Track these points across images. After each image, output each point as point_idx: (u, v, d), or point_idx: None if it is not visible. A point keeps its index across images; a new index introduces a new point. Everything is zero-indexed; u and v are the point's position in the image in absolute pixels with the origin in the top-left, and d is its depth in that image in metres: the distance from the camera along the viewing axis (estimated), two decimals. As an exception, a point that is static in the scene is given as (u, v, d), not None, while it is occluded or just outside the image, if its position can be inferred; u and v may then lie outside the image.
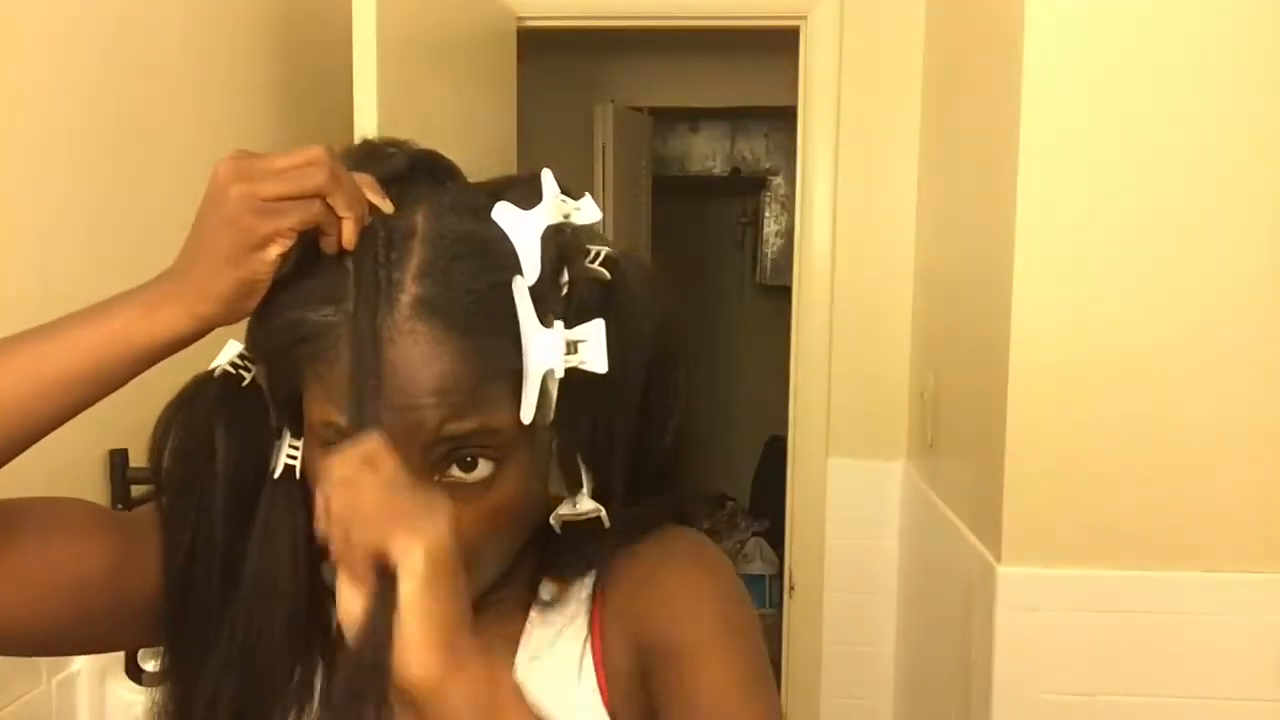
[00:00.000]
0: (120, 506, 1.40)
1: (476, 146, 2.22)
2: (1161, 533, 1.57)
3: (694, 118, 5.00)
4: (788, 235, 4.71)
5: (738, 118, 4.97)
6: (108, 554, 0.67)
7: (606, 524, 0.69)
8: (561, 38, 2.85)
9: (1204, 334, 1.55)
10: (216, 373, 0.67)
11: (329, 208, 0.59)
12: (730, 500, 4.80)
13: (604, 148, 3.58)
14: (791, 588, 2.55)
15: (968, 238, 1.94)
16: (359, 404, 0.57)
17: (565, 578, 0.72)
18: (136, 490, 1.42)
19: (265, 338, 0.63)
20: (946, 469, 2.07)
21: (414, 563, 0.51)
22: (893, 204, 2.37)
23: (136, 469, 1.41)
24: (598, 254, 0.66)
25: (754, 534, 4.39)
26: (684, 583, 0.70)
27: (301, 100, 1.95)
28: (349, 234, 0.60)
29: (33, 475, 0.67)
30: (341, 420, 0.58)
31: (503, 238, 0.63)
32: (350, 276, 0.59)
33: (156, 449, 0.66)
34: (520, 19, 2.42)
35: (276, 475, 0.66)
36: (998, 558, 1.61)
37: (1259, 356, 1.55)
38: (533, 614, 0.72)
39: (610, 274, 0.66)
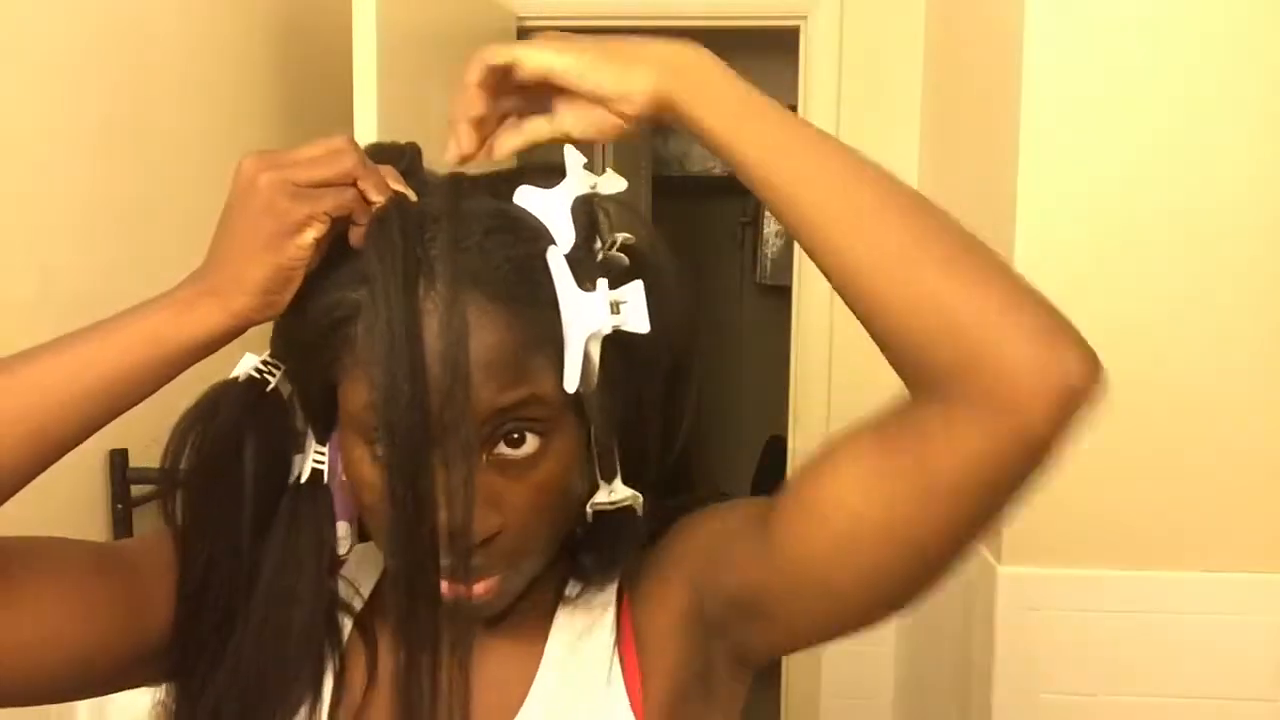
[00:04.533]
0: (120, 507, 1.40)
1: (476, 146, 2.21)
2: (1161, 533, 1.57)
3: (694, 118, 4.99)
4: (788, 235, 4.71)
5: (738, 118, 4.95)
6: (112, 607, 0.64)
7: (639, 512, 0.68)
8: (561, 38, 2.85)
9: (1204, 333, 1.55)
10: (240, 379, 0.65)
11: (360, 194, 0.58)
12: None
13: (604, 147, 3.57)
14: (791, 588, 2.55)
15: (968, 238, 1.93)
16: (398, 380, 0.55)
17: (593, 577, 0.70)
18: (137, 490, 1.42)
19: (299, 327, 0.61)
20: (946, 469, 2.07)
21: None
22: (893, 204, 2.37)
23: (136, 469, 1.41)
24: (614, 241, 0.66)
25: (754, 534, 4.38)
26: (692, 520, 0.71)
27: (301, 100, 1.95)
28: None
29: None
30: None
31: (530, 215, 0.62)
32: (385, 256, 0.57)
33: (173, 457, 0.63)
34: (520, 19, 2.42)
35: (303, 480, 0.65)
36: (998, 558, 1.61)
37: (1260, 357, 1.55)
38: (559, 618, 0.70)
39: (633, 258, 0.66)
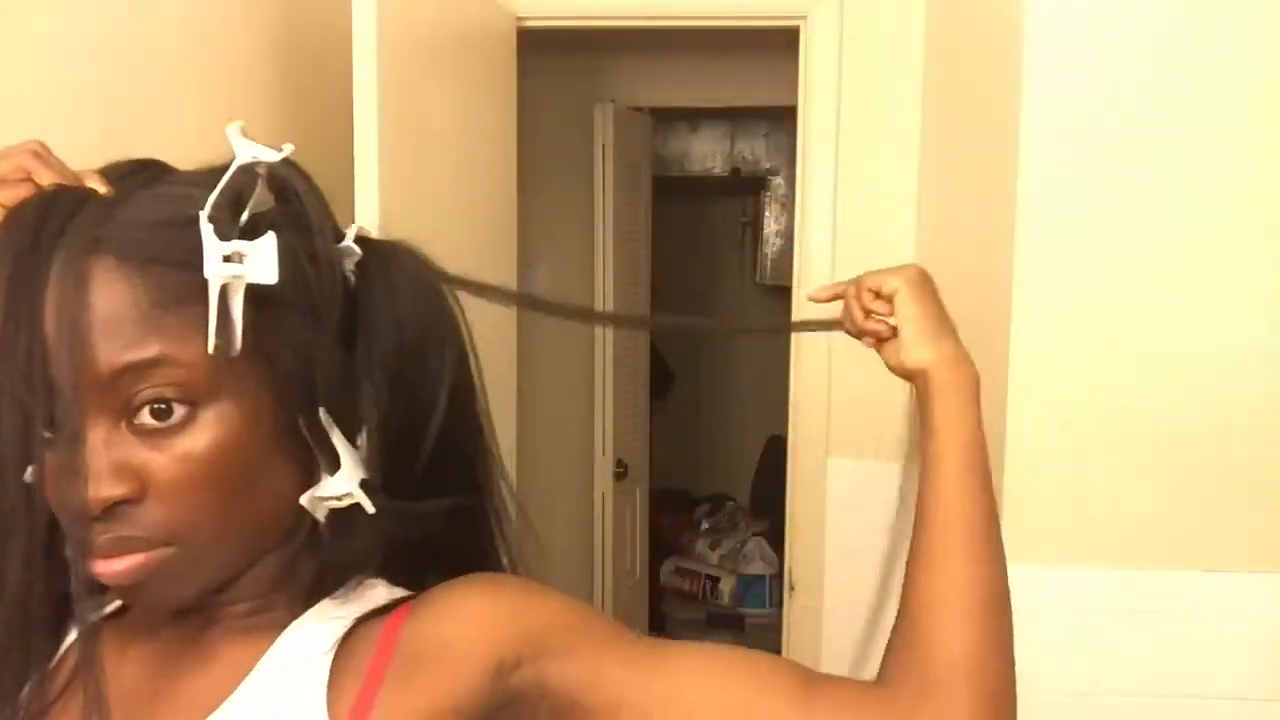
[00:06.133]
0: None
1: (476, 146, 2.22)
2: (1161, 533, 1.57)
3: (694, 118, 5.00)
4: (788, 235, 4.71)
5: (738, 118, 4.97)
6: None
7: (369, 509, 0.63)
8: (561, 38, 2.85)
9: (1204, 332, 1.55)
10: None
11: (37, 186, 0.61)
12: (730, 500, 4.80)
13: (604, 148, 3.57)
14: (791, 588, 2.55)
15: (968, 237, 1.94)
16: (14, 357, 0.54)
17: (325, 588, 0.65)
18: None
19: None
20: (946, 469, 2.07)
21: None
22: (893, 204, 2.37)
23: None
24: (343, 235, 0.68)
25: (754, 534, 4.39)
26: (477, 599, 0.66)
27: (301, 100, 1.95)
28: None
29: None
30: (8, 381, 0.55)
31: (187, 187, 0.64)
32: (10, 227, 0.57)
33: None
34: (520, 19, 2.42)
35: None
36: (998, 558, 1.61)
37: (1259, 356, 1.55)
38: (287, 635, 0.64)
39: (364, 245, 0.68)
